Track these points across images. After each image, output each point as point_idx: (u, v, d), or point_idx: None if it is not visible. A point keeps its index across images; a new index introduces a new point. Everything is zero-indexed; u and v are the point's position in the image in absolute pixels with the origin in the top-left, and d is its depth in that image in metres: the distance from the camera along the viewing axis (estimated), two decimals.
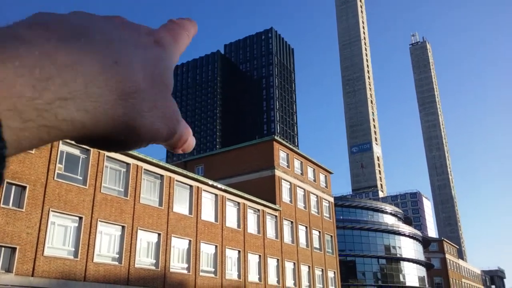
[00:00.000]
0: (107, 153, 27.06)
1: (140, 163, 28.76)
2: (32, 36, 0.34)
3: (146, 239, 28.09)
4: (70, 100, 0.35)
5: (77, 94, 0.35)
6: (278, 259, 39.80)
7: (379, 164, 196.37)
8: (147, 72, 0.42)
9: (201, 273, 31.36)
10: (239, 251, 35.53)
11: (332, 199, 52.63)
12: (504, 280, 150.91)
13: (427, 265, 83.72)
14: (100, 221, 25.35)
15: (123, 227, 26.66)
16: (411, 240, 78.28)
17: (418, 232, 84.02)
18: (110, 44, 0.39)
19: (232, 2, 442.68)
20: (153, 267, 28.01)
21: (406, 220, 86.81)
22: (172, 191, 30.70)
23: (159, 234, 28.81)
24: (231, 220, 35.90)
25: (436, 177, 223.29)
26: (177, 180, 31.45)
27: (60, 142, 22.09)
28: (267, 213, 39.89)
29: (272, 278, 38.70)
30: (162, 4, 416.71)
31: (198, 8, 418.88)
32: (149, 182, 29.59)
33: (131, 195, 27.61)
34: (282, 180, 43.04)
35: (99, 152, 25.75)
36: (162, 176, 30.37)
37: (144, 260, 27.66)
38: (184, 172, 32.34)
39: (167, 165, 31.33)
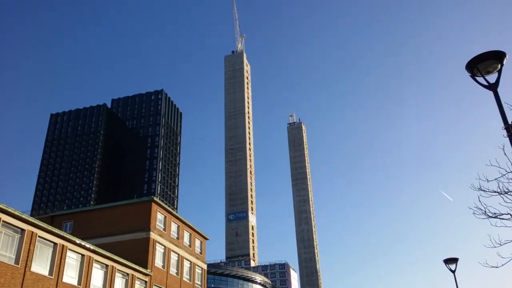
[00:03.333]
0: None
1: None
2: None
3: None
4: None
5: None
6: None
7: (253, 233, 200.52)
8: None
9: None
10: None
11: (205, 266, 52.11)
12: None
13: None
14: None
15: None
16: None
17: None
18: None
19: (125, 56, 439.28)
20: None
21: None
22: (32, 248, 27.85)
23: None
24: (96, 284, 33.37)
25: (303, 249, 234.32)
26: (39, 236, 28.72)
27: None
28: (137, 277, 37.94)
29: None
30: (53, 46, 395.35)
31: (88, 55, 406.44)
32: (7, 236, 26.57)
33: None
34: (157, 243, 41.78)
35: None
36: (23, 230, 27.55)
37: None
38: (49, 227, 29.74)
39: (30, 218, 28.55)
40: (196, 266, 49.45)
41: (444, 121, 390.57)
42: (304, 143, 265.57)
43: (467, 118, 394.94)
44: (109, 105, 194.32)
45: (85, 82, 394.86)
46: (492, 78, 7.53)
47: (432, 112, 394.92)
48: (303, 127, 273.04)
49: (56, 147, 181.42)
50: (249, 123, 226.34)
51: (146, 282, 39.12)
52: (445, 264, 26.08)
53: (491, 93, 7.41)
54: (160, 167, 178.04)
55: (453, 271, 25.79)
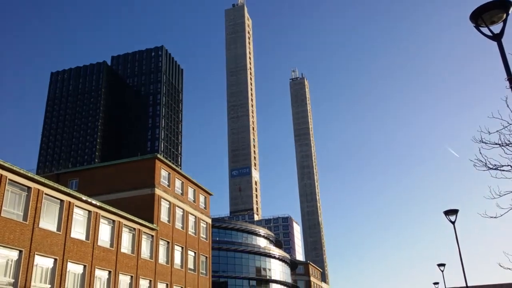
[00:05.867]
0: None
1: (4, 173, 26.27)
2: None
3: (4, 256, 25.50)
4: None
5: None
6: (150, 280, 38.89)
7: (256, 188, 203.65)
8: None
9: None
10: (109, 272, 33.99)
11: (210, 221, 53.33)
12: None
13: (294, 287, 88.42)
14: None
15: None
16: (280, 262, 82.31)
17: (287, 255, 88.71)
18: None
19: (124, 14, 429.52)
20: (10, 287, 25.45)
21: (277, 243, 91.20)
22: (39, 205, 28.44)
23: (20, 251, 26.37)
24: (104, 238, 34.32)
25: (306, 203, 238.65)
26: (46, 194, 29.25)
27: None
28: (143, 232, 38.95)
29: None
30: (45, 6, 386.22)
31: (86, 13, 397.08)
32: (14, 194, 27.08)
33: None
34: (162, 199, 42.57)
35: None
36: (29, 188, 28.03)
37: (1, 279, 25.01)
38: (55, 185, 30.24)
39: (36, 177, 28.97)
40: (201, 221, 50.61)
41: (452, 80, 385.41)
42: (307, 99, 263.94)
43: (472, 71, 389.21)
44: (109, 63, 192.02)
45: (85, 40, 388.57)
46: (496, 28, 7.32)
47: (437, 66, 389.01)
48: (306, 83, 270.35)
49: (58, 106, 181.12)
50: (251, 79, 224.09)
51: (152, 236, 40.19)
52: (445, 215, 26.57)
53: (495, 44, 7.24)
54: (163, 124, 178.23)
55: (453, 222, 26.31)
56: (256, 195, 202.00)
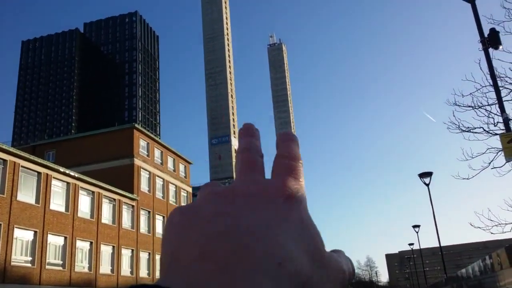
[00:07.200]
0: None
1: None
2: None
3: None
4: None
5: None
6: (133, 250, 39.22)
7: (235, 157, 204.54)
8: (308, 252, 0.40)
9: (47, 266, 29.33)
10: (91, 242, 34.08)
11: (190, 189, 53.56)
12: None
13: None
14: None
15: None
16: None
17: None
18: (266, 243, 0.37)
19: None
20: None
21: None
22: (16, 178, 28.01)
23: None
24: (84, 210, 34.21)
25: None
26: (22, 166, 28.77)
27: None
28: (124, 202, 38.93)
29: (125, 269, 37.99)
30: None
31: None
32: None
33: None
34: (141, 169, 42.39)
35: None
36: (5, 161, 27.49)
37: None
38: (32, 157, 29.74)
39: (11, 149, 28.41)
40: (182, 190, 50.78)
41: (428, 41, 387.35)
42: (285, 65, 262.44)
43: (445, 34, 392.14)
44: (81, 30, 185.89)
45: (55, 6, 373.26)
46: None
47: (407, 29, 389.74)
48: (284, 48, 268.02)
49: (30, 76, 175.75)
50: (228, 45, 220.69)
51: (133, 206, 40.23)
52: (420, 178, 27.29)
53: (469, 6, 7.26)
54: (140, 93, 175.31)
55: (427, 184, 27.08)
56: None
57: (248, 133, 0.55)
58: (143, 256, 40.93)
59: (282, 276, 0.36)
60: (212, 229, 0.38)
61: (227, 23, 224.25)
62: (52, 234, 30.26)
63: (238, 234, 0.37)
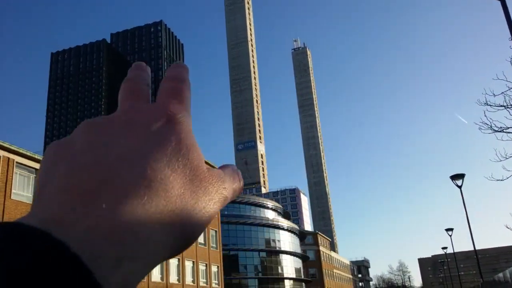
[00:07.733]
0: None
1: (12, 156, 26.43)
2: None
3: None
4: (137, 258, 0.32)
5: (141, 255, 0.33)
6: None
7: (262, 162, 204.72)
8: (184, 170, 0.40)
9: None
10: None
11: None
12: (369, 269, 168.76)
13: (303, 257, 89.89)
14: None
15: None
16: (289, 233, 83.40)
17: (296, 226, 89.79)
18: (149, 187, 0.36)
19: None
20: None
21: (285, 215, 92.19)
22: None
23: None
24: None
25: (313, 174, 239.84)
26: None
27: None
28: None
29: (156, 276, 38.42)
30: None
31: None
32: (22, 176, 27.37)
33: None
34: None
35: None
36: (36, 170, 28.13)
37: None
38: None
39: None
40: None
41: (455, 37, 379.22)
42: (310, 69, 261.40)
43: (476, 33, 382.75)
44: (108, 40, 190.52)
45: (83, 18, 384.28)
46: None
47: (440, 29, 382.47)
48: (308, 52, 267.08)
49: (60, 86, 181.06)
50: (252, 51, 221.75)
51: None
52: (452, 180, 26.54)
53: (498, 4, 7.04)
54: None
55: (460, 187, 26.32)
56: (263, 168, 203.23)
57: (137, 67, 0.53)
58: (173, 262, 41.30)
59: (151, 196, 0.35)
60: (80, 160, 0.36)
61: (250, 29, 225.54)
62: None
63: (108, 163, 0.36)
